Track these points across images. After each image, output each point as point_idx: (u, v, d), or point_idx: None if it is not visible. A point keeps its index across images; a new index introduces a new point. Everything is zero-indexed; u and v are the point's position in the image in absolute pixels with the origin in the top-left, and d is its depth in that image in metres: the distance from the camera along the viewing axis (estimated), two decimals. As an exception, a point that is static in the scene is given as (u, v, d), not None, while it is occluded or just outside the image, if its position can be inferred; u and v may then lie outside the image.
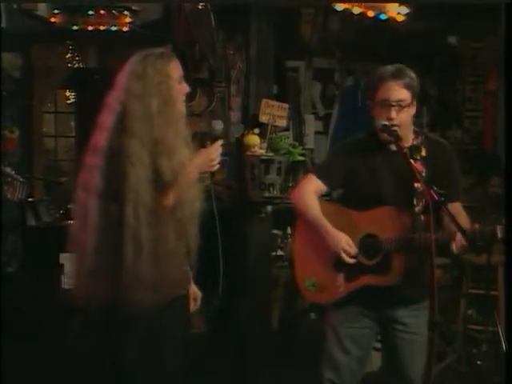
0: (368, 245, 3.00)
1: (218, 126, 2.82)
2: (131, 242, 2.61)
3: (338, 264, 3.04)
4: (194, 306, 3.03)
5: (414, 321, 3.05)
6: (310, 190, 3.10)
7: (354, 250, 2.99)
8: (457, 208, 3.03)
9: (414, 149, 2.98)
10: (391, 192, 3.00)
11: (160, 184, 2.65)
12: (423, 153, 3.00)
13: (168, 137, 2.68)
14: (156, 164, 2.64)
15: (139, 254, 2.62)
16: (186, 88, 2.82)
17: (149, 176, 2.62)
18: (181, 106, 2.78)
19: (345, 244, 2.99)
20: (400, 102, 2.92)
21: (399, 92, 2.92)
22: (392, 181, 3.00)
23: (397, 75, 2.93)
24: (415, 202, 2.95)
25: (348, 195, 3.14)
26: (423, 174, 2.92)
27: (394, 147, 3.01)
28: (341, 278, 3.05)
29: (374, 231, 2.99)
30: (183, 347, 2.89)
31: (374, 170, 3.02)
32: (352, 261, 2.99)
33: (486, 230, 2.84)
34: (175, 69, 2.78)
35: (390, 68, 2.97)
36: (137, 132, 2.64)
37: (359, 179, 3.04)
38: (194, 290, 3.04)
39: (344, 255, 2.99)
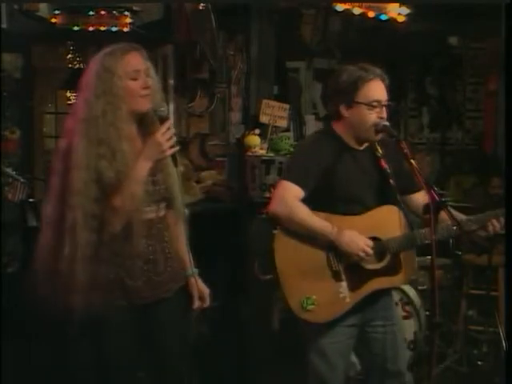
0: (372, 248, 2.89)
1: (161, 107, 2.70)
2: (69, 245, 2.57)
3: (338, 273, 2.89)
4: (200, 305, 2.92)
5: (388, 313, 3.03)
6: (293, 198, 2.86)
7: (371, 249, 2.85)
8: (424, 196, 3.01)
9: (374, 147, 2.96)
10: (373, 191, 2.96)
11: (104, 185, 2.58)
12: (380, 151, 2.96)
13: (111, 138, 2.59)
14: (97, 165, 2.57)
15: (75, 257, 2.57)
16: (144, 83, 2.64)
17: (93, 178, 2.57)
18: (135, 104, 2.64)
19: (364, 244, 2.83)
20: (386, 102, 2.93)
21: (385, 91, 2.93)
22: (367, 179, 2.96)
23: (382, 75, 2.94)
24: (398, 198, 2.90)
25: (327, 200, 2.92)
26: (388, 171, 2.91)
27: (357, 146, 2.97)
28: (344, 288, 2.88)
29: (376, 234, 2.91)
30: (169, 349, 2.85)
31: (347, 170, 2.94)
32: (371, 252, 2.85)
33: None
34: (127, 64, 2.63)
35: (372, 68, 2.94)
36: (84, 133, 2.59)
37: (335, 180, 2.91)
38: (201, 289, 2.92)
39: (363, 256, 2.83)
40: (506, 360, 3.65)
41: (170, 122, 2.64)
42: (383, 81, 2.94)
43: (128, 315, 2.70)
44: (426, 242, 2.88)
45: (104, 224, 2.59)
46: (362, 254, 2.84)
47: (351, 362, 3.13)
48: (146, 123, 2.70)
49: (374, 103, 2.89)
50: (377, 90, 2.91)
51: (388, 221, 2.93)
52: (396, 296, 4.55)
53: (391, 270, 2.91)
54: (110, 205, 2.57)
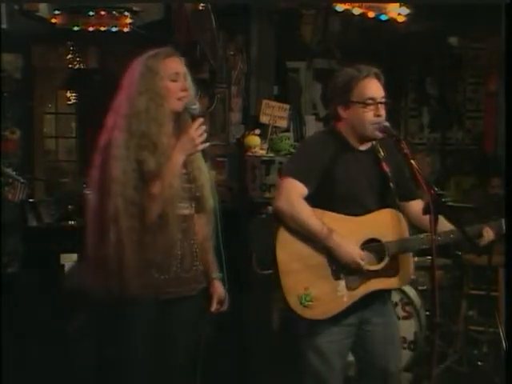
0: (371, 249, 2.92)
1: (194, 105, 2.82)
2: (114, 232, 2.70)
3: (337, 272, 2.89)
4: (217, 308, 2.99)
5: (384, 311, 3.04)
6: (298, 196, 2.87)
7: (365, 263, 2.87)
8: (420, 205, 3.04)
9: (376, 149, 2.97)
10: (373, 193, 2.96)
11: (144, 174, 2.73)
12: (382, 153, 2.96)
13: (152, 133, 2.75)
14: (139, 155, 2.73)
15: (121, 243, 2.70)
16: (183, 86, 2.82)
17: (133, 167, 2.72)
18: (173, 104, 2.80)
19: (358, 258, 2.85)
20: (382, 99, 2.93)
21: (381, 89, 2.94)
22: (368, 180, 2.97)
23: (376, 73, 2.95)
24: (397, 202, 2.91)
25: (328, 198, 2.92)
26: (389, 175, 2.92)
27: (359, 147, 2.97)
28: (342, 287, 2.89)
29: (375, 235, 2.92)
30: (183, 348, 2.90)
31: (348, 170, 2.94)
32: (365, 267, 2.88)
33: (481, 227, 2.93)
34: (168, 66, 2.81)
35: (366, 67, 2.96)
36: (126, 128, 2.75)
37: (336, 180, 2.92)
38: (219, 292, 2.99)
39: (355, 266, 2.87)
40: (506, 360, 3.65)
41: (202, 119, 2.79)
42: (378, 78, 2.95)
43: (154, 309, 2.78)
44: (425, 247, 2.90)
45: (143, 211, 2.72)
46: (353, 266, 2.86)
47: (348, 361, 3.12)
48: (179, 122, 2.86)
49: (369, 101, 2.90)
50: (371, 87, 2.91)
51: (388, 224, 2.93)
52: (396, 296, 4.55)
53: (389, 271, 2.92)
54: (148, 193, 2.71)
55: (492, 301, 4.76)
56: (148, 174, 2.72)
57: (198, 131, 2.75)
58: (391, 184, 2.92)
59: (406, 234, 2.94)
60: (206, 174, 2.90)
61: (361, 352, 3.08)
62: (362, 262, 2.86)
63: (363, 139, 2.96)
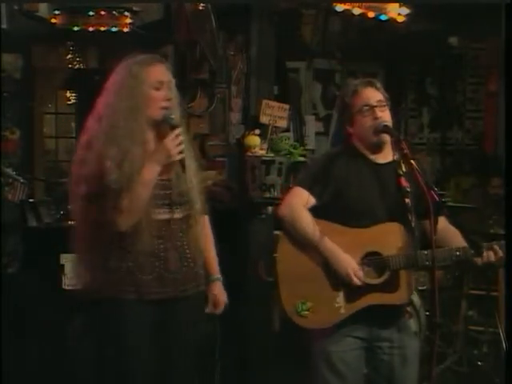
0: (372, 263, 2.89)
1: (172, 115, 2.82)
2: (73, 235, 2.79)
3: (337, 283, 2.89)
4: (211, 311, 3.00)
5: (399, 334, 2.98)
6: (302, 205, 2.91)
7: (360, 278, 2.85)
8: (443, 222, 3.02)
9: (397, 164, 2.94)
10: (384, 207, 2.93)
11: (105, 185, 2.69)
12: (403, 168, 2.92)
13: (125, 141, 2.72)
14: (102, 166, 2.70)
15: (81, 248, 2.79)
16: (166, 95, 2.81)
17: (96, 175, 2.71)
18: (154, 112, 2.79)
19: (351, 273, 2.84)
20: (380, 103, 2.95)
21: (375, 94, 2.97)
22: (382, 195, 2.95)
23: (367, 82, 3.01)
24: (410, 218, 2.85)
25: (337, 211, 2.92)
26: (407, 190, 2.88)
27: (377, 160, 2.98)
28: (340, 298, 2.88)
29: (377, 249, 2.89)
30: (180, 349, 2.90)
31: (362, 184, 2.95)
32: (358, 283, 2.85)
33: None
34: (152, 74, 2.79)
35: (359, 80, 3.06)
36: (98, 134, 2.76)
37: (348, 193, 2.92)
38: (216, 295, 3.00)
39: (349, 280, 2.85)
40: (506, 360, 3.65)
41: (180, 129, 2.78)
42: (370, 85, 2.99)
43: (139, 310, 2.78)
44: (427, 263, 2.84)
45: (107, 223, 2.69)
46: (347, 279, 2.85)
47: (362, 377, 3.07)
48: (158, 131, 2.83)
49: (364, 108, 2.93)
50: (361, 97, 2.96)
51: (391, 238, 2.90)
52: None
53: (389, 287, 2.88)
54: (115, 206, 2.67)
55: (492, 301, 4.77)
56: (108, 186, 2.68)
57: (174, 141, 2.74)
58: (407, 200, 2.87)
59: (409, 250, 2.89)
60: (187, 181, 2.86)
61: (373, 373, 3.03)
62: (356, 279, 2.84)
63: (374, 148, 2.97)
